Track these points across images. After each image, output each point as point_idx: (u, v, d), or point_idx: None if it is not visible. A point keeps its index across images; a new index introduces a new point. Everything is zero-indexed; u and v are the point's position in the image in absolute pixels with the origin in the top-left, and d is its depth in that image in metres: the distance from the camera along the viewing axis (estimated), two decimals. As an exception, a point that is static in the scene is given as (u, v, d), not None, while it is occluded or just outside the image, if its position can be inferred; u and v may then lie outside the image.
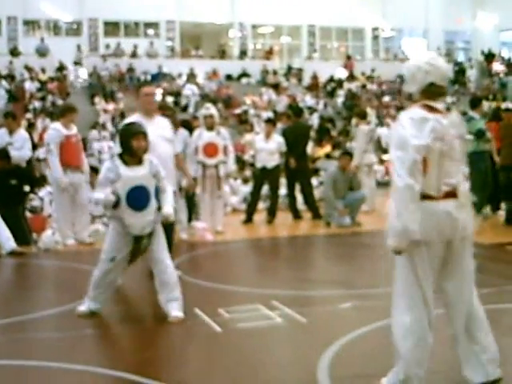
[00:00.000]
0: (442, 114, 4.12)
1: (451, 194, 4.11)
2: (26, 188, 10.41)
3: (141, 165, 5.92)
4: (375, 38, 35.10)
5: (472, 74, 31.81)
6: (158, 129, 7.28)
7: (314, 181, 13.76)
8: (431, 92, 4.16)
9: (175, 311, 5.95)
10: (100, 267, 6.06)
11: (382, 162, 19.20)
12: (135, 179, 5.85)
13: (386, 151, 20.99)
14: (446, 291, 4.26)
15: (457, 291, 4.24)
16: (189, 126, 11.06)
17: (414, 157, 3.94)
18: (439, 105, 4.16)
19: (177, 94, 25.70)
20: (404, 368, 4.12)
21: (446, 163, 4.11)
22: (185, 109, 24.48)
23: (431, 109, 4.11)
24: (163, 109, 8.80)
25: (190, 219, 10.69)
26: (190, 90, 25.77)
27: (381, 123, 24.07)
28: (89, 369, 4.83)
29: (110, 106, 23.84)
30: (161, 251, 6.06)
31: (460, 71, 32.08)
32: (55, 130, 9.93)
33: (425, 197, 4.03)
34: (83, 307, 6.12)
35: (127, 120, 7.30)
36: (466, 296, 4.25)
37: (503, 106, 15.98)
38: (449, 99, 27.37)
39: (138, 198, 5.85)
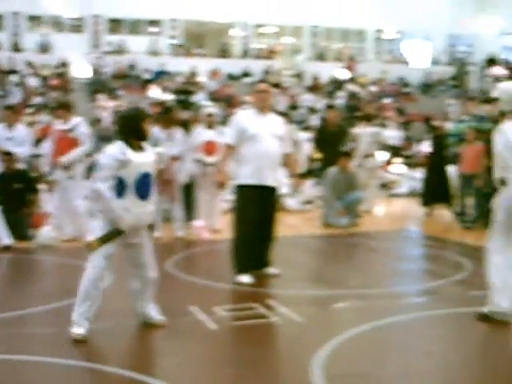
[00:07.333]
0: None
1: None
2: (30, 196, 10.23)
3: (143, 151, 5.60)
4: (378, 39, 35.07)
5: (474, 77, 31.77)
6: (269, 125, 7.53)
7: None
8: None
9: (158, 315, 5.82)
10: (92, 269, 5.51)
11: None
12: (143, 165, 5.53)
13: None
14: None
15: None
16: (186, 125, 11.03)
17: None
18: None
19: (180, 92, 25.57)
20: None
21: None
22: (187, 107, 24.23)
23: None
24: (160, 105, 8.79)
25: (189, 217, 10.65)
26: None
27: (382, 125, 24.01)
28: (84, 364, 4.85)
29: (111, 103, 23.78)
30: (148, 254, 5.76)
31: (463, 73, 32.15)
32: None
33: None
34: (80, 329, 5.42)
35: (242, 112, 7.80)
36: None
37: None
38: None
39: (145, 185, 5.55)
